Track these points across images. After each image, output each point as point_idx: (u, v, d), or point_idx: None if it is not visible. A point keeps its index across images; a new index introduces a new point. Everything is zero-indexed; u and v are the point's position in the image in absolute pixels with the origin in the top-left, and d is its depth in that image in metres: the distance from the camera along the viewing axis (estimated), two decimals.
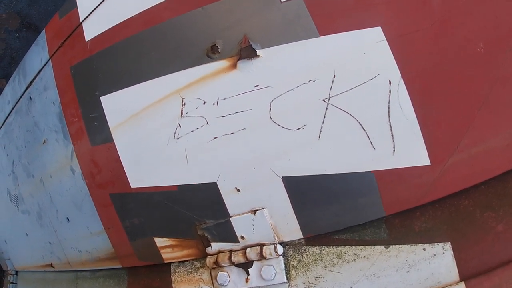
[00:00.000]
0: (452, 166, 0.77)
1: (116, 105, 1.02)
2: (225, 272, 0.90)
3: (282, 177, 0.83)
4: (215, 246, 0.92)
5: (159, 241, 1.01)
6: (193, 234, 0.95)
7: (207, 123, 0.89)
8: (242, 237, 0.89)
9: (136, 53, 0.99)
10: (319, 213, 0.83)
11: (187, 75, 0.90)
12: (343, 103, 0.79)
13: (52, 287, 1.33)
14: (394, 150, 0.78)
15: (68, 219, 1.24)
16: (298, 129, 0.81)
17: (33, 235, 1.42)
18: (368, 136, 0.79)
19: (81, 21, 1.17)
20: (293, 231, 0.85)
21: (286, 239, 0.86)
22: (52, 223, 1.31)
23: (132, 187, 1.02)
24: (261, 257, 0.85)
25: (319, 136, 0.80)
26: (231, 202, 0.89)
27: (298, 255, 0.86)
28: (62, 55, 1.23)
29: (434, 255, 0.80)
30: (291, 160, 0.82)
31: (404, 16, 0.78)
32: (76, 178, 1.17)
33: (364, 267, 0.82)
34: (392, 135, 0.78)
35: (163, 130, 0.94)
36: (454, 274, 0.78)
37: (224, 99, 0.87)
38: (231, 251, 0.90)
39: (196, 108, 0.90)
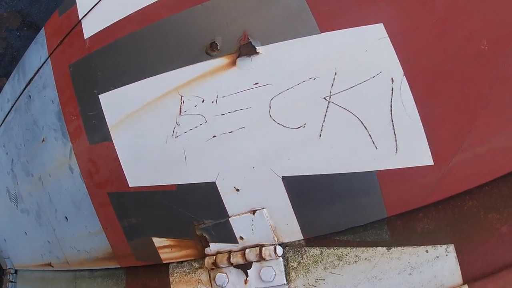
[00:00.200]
0: (456, 166, 0.74)
1: (115, 103, 0.99)
2: (223, 273, 0.88)
3: (282, 176, 0.81)
4: (213, 247, 0.89)
5: (157, 241, 0.98)
6: (192, 234, 0.92)
7: (206, 122, 0.86)
8: (241, 238, 0.86)
9: (134, 51, 0.97)
10: (319, 213, 0.80)
11: (186, 73, 0.87)
12: (344, 101, 0.76)
13: (51, 286, 1.31)
14: (396, 150, 0.75)
15: (66, 218, 1.22)
16: (299, 127, 0.79)
17: (32, 234, 1.40)
18: (370, 135, 0.76)
19: (80, 18, 1.14)
20: (293, 232, 0.82)
21: (286, 240, 0.83)
22: (51, 222, 1.29)
23: (130, 186, 0.99)
24: (260, 258, 0.83)
25: (320, 135, 0.77)
26: (230, 202, 0.86)
27: (298, 257, 0.84)
28: (61, 53, 1.20)
29: (437, 257, 0.77)
30: (291, 159, 0.79)
31: (406, 13, 0.75)
32: (74, 177, 1.14)
33: (365, 269, 0.79)
34: (395, 134, 0.75)
35: (161, 128, 0.92)
36: (458, 277, 0.75)
37: (223, 97, 0.84)
38: (230, 252, 0.87)
39: (195, 106, 0.87)
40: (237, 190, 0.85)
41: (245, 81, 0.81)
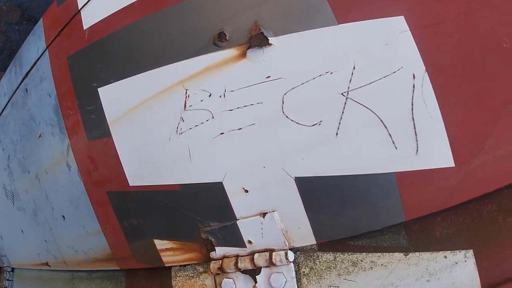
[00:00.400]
0: (477, 168, 0.66)
1: (115, 97, 0.88)
2: (230, 278, 0.79)
3: (295, 177, 0.71)
4: (219, 251, 0.80)
5: (159, 244, 0.89)
6: (196, 237, 0.83)
7: (213, 117, 0.76)
8: (250, 242, 0.77)
9: (136, 42, 0.86)
10: (334, 217, 0.72)
11: (192, 65, 0.77)
12: (363, 97, 0.67)
13: (48, 286, 1.21)
14: (417, 150, 0.67)
15: (64, 217, 1.11)
16: (314, 125, 0.69)
17: (28, 233, 1.29)
18: (390, 134, 0.67)
19: (79, 8, 1.03)
20: (306, 236, 0.73)
21: (297, 245, 0.74)
22: (47, 220, 1.18)
23: (130, 185, 0.89)
24: (270, 263, 0.74)
25: (337, 134, 0.68)
26: (238, 204, 0.76)
27: (310, 262, 0.75)
28: (59, 45, 1.09)
29: (456, 263, 0.69)
30: (305, 159, 0.70)
31: (428, 6, 0.66)
32: (72, 175, 1.04)
33: (381, 275, 0.71)
34: (416, 134, 0.67)
35: (164, 124, 0.81)
36: (476, 283, 0.68)
37: (232, 91, 0.74)
38: (237, 256, 0.78)
39: (201, 100, 0.77)
40: (246, 191, 0.75)
41: (256, 75, 0.72)
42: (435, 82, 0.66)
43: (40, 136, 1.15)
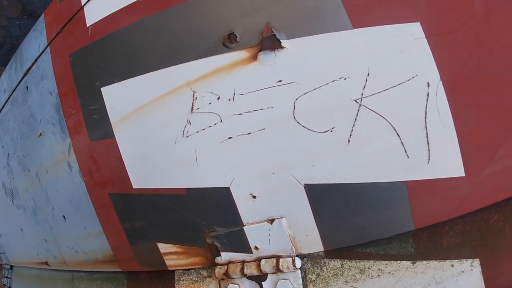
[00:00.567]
0: (486, 178, 0.63)
1: (119, 97, 0.82)
2: (235, 284, 0.74)
3: (305, 184, 0.67)
4: (225, 256, 0.75)
5: (163, 247, 0.84)
6: (201, 241, 0.78)
7: (221, 121, 0.71)
8: (256, 248, 0.73)
9: (142, 41, 0.80)
10: (343, 224, 0.68)
11: (200, 66, 0.71)
12: (377, 104, 0.63)
13: (48, 285, 1.14)
14: (429, 159, 0.63)
15: (64, 217, 1.05)
16: (325, 131, 0.65)
17: (28, 231, 1.22)
18: (402, 143, 0.63)
19: (82, 4, 0.96)
20: (313, 243, 0.69)
21: (304, 252, 0.70)
22: (47, 220, 1.12)
23: (134, 187, 0.83)
24: (277, 270, 0.70)
25: (349, 141, 0.64)
26: (245, 210, 0.72)
27: (317, 269, 0.71)
28: (61, 42, 1.02)
29: (462, 271, 0.66)
30: (315, 166, 0.66)
31: (445, 13, 0.62)
32: (73, 175, 0.98)
33: (388, 283, 0.68)
34: (428, 143, 0.63)
35: (170, 126, 0.76)
36: None
37: (242, 94, 0.69)
38: (243, 262, 0.74)
39: (209, 103, 0.72)
40: (254, 197, 0.71)
41: (267, 78, 0.67)
42: (449, 91, 0.62)
43: (40, 134, 1.08)
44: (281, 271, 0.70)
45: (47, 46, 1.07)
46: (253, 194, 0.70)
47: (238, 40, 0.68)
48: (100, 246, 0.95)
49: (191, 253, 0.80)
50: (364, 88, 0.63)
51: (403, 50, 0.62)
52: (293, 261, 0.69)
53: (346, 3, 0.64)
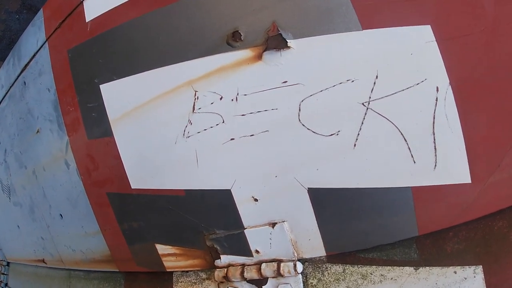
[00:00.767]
0: (492, 185, 0.60)
1: (118, 95, 0.76)
2: (235, 287, 0.70)
3: (308, 188, 0.62)
4: (225, 259, 0.71)
5: (161, 248, 0.79)
6: (201, 244, 0.73)
7: (223, 122, 0.66)
8: (257, 251, 0.68)
9: (142, 38, 0.74)
10: (346, 229, 0.64)
11: (202, 65, 0.66)
12: (384, 108, 0.58)
13: (44, 283, 1.09)
14: (435, 165, 0.60)
15: (61, 216, 0.99)
16: (331, 135, 0.60)
17: (25, 228, 1.16)
18: (409, 148, 0.59)
19: None
20: (316, 248, 0.65)
21: (306, 256, 0.66)
22: (44, 218, 1.06)
23: (132, 187, 0.78)
24: (278, 274, 0.65)
25: (355, 145, 0.60)
26: (247, 213, 0.67)
27: (319, 273, 0.67)
28: (60, 37, 0.95)
29: (465, 278, 0.63)
30: (319, 170, 0.61)
31: (456, 17, 0.58)
32: (70, 173, 0.92)
33: None
34: (435, 149, 0.59)
35: (171, 126, 0.71)
36: None
37: (245, 95, 0.64)
38: (243, 265, 0.69)
39: (211, 103, 0.67)
40: (256, 200, 0.66)
41: (272, 79, 0.62)
42: (458, 96, 0.58)
43: (38, 131, 1.02)
44: (282, 275, 0.65)
45: (45, 42, 1.00)
46: (255, 197, 0.66)
47: (242, 39, 0.63)
48: (97, 245, 0.90)
49: (190, 255, 0.75)
50: (372, 91, 0.59)
51: (413, 53, 0.58)
52: (295, 265, 0.65)
53: (356, 3, 0.59)
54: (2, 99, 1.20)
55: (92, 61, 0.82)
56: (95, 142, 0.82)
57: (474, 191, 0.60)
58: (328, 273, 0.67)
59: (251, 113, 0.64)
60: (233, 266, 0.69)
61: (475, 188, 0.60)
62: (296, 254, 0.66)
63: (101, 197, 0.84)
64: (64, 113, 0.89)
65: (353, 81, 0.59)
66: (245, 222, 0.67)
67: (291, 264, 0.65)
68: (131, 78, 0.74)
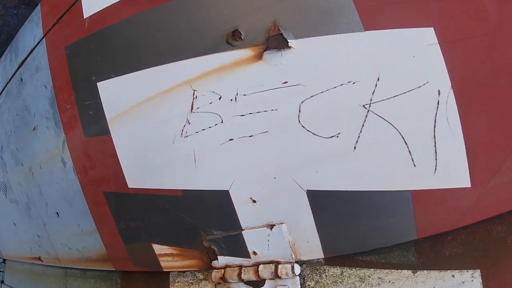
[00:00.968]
0: (492, 189, 0.58)
1: (115, 93, 0.73)
2: None
3: (307, 190, 0.60)
4: (222, 260, 0.69)
5: (158, 248, 0.76)
6: (198, 244, 0.71)
7: (222, 122, 0.64)
8: (255, 253, 0.66)
9: (140, 35, 0.71)
10: (344, 232, 0.62)
11: (201, 64, 0.63)
12: (385, 111, 0.56)
13: (40, 281, 1.06)
14: (435, 169, 0.58)
15: (58, 214, 0.96)
16: (331, 137, 0.58)
17: (21, 226, 1.13)
18: (409, 151, 0.58)
19: None
20: (314, 250, 0.63)
21: (304, 258, 0.64)
22: (41, 216, 1.03)
23: (129, 187, 0.75)
24: (275, 276, 0.63)
25: (355, 147, 0.58)
26: (245, 214, 0.65)
27: (316, 276, 0.66)
28: (57, 33, 0.92)
29: (463, 282, 0.62)
30: (319, 172, 0.59)
31: (459, 19, 0.56)
32: (67, 171, 0.89)
33: None
34: (436, 152, 0.58)
35: (169, 125, 0.68)
36: None
37: (245, 95, 0.62)
38: (240, 266, 0.67)
39: (210, 103, 0.64)
40: (254, 201, 0.64)
41: (272, 79, 0.59)
42: (460, 100, 0.56)
43: (34, 128, 0.99)
44: (279, 277, 0.64)
45: (42, 38, 0.97)
46: (253, 198, 0.64)
47: (242, 38, 0.60)
48: (93, 244, 0.87)
49: (187, 256, 0.73)
50: (373, 94, 0.57)
51: (415, 56, 0.56)
52: (292, 267, 0.63)
53: (358, 4, 0.57)
54: None
55: (89, 58, 0.79)
56: (92, 140, 0.79)
57: (474, 195, 0.59)
58: (326, 275, 0.65)
59: (250, 113, 0.61)
60: (230, 267, 0.67)
61: (475, 192, 0.58)
62: (294, 256, 0.64)
63: (98, 196, 0.81)
64: (61, 111, 0.86)
65: (354, 82, 0.57)
66: (243, 223, 0.65)
67: (289, 266, 0.63)
68: (129, 76, 0.71)
